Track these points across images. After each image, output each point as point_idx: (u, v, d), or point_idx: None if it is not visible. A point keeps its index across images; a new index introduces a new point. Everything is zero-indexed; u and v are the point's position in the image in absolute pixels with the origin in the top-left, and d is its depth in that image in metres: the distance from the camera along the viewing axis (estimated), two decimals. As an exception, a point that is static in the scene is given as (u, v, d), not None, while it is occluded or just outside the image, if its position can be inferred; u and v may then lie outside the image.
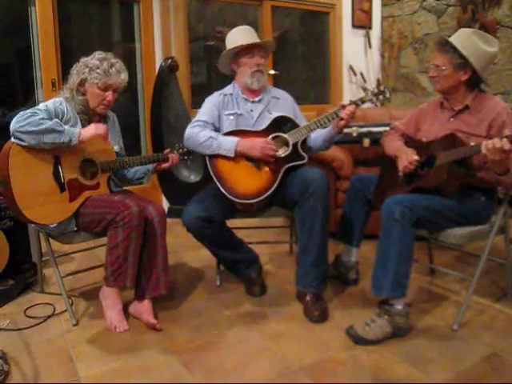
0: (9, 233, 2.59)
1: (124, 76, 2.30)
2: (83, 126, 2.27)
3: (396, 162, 2.33)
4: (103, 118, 2.43)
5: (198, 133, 2.42)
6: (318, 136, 2.50)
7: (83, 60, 2.28)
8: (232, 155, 2.37)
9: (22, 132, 2.03)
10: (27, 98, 3.85)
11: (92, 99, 2.27)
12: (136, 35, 4.27)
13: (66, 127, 2.12)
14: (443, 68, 2.17)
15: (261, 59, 2.51)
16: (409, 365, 1.90)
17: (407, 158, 2.23)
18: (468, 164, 2.12)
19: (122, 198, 2.22)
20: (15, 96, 3.92)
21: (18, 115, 2.07)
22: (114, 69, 2.24)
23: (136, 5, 4.20)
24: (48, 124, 2.06)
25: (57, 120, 2.11)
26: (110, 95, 2.27)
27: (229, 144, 2.37)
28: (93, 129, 2.19)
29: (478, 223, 2.23)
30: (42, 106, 2.17)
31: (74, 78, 2.27)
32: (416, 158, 2.21)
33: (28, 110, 2.08)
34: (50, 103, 2.20)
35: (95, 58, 2.25)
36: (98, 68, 2.22)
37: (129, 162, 2.38)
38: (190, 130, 2.47)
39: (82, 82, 2.25)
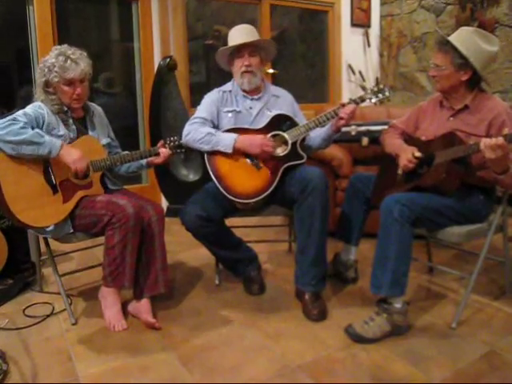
0: (7, 232, 2.60)
1: (83, 64, 2.23)
2: (65, 125, 2.26)
3: (395, 160, 2.33)
4: (87, 113, 2.42)
5: (196, 129, 2.41)
6: (316, 135, 2.50)
7: (43, 60, 2.24)
8: (230, 151, 2.35)
9: (1, 139, 2.03)
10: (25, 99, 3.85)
11: (62, 96, 2.25)
12: (134, 34, 4.27)
13: (47, 138, 2.10)
14: (443, 68, 2.17)
15: (251, 59, 2.47)
16: (407, 363, 1.90)
17: (407, 157, 2.23)
18: (467, 163, 2.12)
19: (118, 198, 2.21)
20: (14, 96, 3.91)
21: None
22: (69, 61, 2.19)
23: (134, 4, 4.20)
24: (28, 134, 2.05)
25: (38, 130, 2.10)
26: (77, 88, 2.24)
27: (227, 140, 2.36)
28: (75, 157, 2.15)
29: (477, 222, 2.23)
30: (21, 112, 2.15)
31: (38, 80, 2.25)
32: (417, 154, 2.21)
33: (8, 118, 2.07)
34: (29, 109, 2.19)
35: (51, 56, 2.21)
36: (54, 66, 2.18)
37: (120, 159, 2.37)
38: (188, 127, 2.46)
39: (47, 84, 2.23)
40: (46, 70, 2.20)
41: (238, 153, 2.38)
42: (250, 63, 2.47)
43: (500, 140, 1.84)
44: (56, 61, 2.18)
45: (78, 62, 2.22)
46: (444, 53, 2.16)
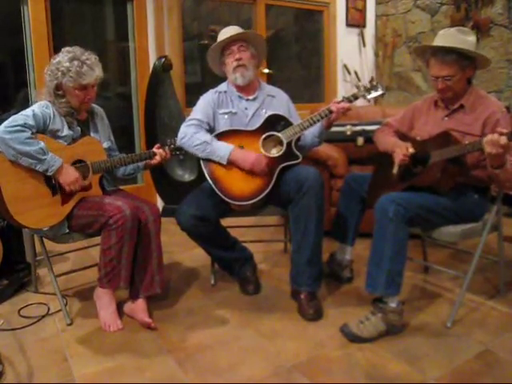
0: (2, 233, 2.59)
1: (98, 71, 2.24)
2: (70, 127, 2.26)
3: (389, 158, 2.33)
4: (90, 115, 2.42)
5: (192, 134, 2.41)
6: (309, 132, 2.49)
7: (54, 62, 2.21)
8: (225, 163, 2.36)
9: (5, 143, 2.03)
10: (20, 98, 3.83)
11: (73, 100, 2.24)
12: (130, 34, 4.26)
13: (50, 156, 2.10)
14: (454, 76, 2.14)
15: (241, 53, 2.47)
16: (403, 362, 1.91)
17: (402, 151, 2.23)
18: (461, 162, 2.13)
19: (116, 199, 2.22)
20: (9, 97, 3.90)
21: (9, 122, 2.05)
22: (85, 67, 2.18)
23: (130, 3, 4.18)
24: (32, 148, 2.04)
25: (42, 146, 2.08)
26: (89, 92, 2.25)
27: (222, 152, 2.36)
28: (72, 179, 2.16)
29: (472, 221, 2.23)
30: (29, 111, 2.14)
31: (48, 83, 2.23)
32: (411, 150, 2.20)
33: (19, 120, 2.06)
34: (36, 108, 2.18)
35: (65, 60, 2.18)
36: (69, 71, 2.16)
37: (120, 161, 2.37)
38: (184, 129, 2.45)
39: (58, 86, 2.22)
40: (60, 73, 2.18)
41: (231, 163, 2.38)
42: (241, 57, 2.47)
43: (504, 139, 1.85)
44: (71, 65, 2.16)
45: (93, 68, 2.21)
46: (450, 62, 2.13)
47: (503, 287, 2.49)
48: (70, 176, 2.16)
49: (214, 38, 2.56)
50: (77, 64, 2.17)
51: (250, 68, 2.50)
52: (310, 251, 2.31)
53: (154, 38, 4.23)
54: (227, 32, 2.50)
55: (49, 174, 2.12)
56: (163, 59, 3.93)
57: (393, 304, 2.11)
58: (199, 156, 2.40)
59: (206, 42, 4.61)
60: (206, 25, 4.68)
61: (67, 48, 2.25)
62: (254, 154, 2.35)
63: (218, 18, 4.80)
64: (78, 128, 2.31)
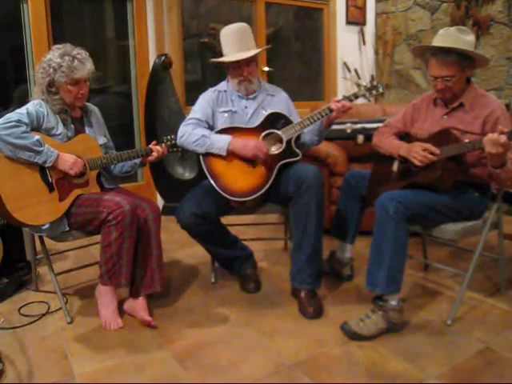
0: (2, 231, 2.58)
1: (89, 65, 2.24)
2: (64, 125, 2.27)
3: (390, 157, 2.33)
4: (84, 112, 2.42)
5: (191, 131, 2.41)
6: (308, 130, 2.49)
7: (45, 59, 2.22)
8: (224, 154, 2.36)
9: (2, 139, 2.04)
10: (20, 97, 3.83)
11: (66, 96, 2.24)
12: (129, 32, 4.26)
13: (46, 147, 2.12)
14: (454, 76, 2.14)
15: (248, 68, 2.46)
16: (403, 360, 1.90)
17: (423, 146, 2.16)
18: (462, 160, 2.13)
19: (115, 196, 2.22)
20: (8, 94, 3.89)
21: (3, 119, 2.06)
22: (76, 62, 2.18)
23: (129, 1, 4.19)
24: (28, 141, 2.06)
25: (38, 138, 2.10)
26: (82, 88, 2.25)
27: (221, 143, 2.36)
28: (70, 163, 2.18)
29: (472, 219, 2.23)
30: (23, 110, 2.15)
31: (41, 80, 2.23)
32: (438, 151, 2.13)
33: (13, 117, 2.07)
34: (30, 106, 2.19)
35: (56, 56, 2.18)
36: (61, 66, 2.16)
37: (116, 158, 2.37)
38: (183, 128, 2.46)
39: (51, 83, 2.22)
40: (51, 70, 2.18)
41: (232, 154, 2.38)
42: (249, 72, 2.47)
43: (503, 138, 1.85)
44: (62, 61, 2.17)
45: (85, 62, 2.22)
46: (450, 63, 2.12)
47: (503, 285, 2.49)
48: (68, 161, 2.18)
49: (214, 35, 2.54)
50: (68, 59, 2.17)
51: (254, 81, 2.51)
52: (310, 249, 2.31)
53: (154, 35, 4.23)
54: (235, 39, 2.43)
55: (47, 165, 2.13)
56: (163, 57, 3.93)
57: (393, 302, 2.11)
58: (199, 152, 2.40)
59: (206, 40, 4.61)
60: (206, 23, 4.67)
61: (57, 45, 2.26)
62: (254, 140, 2.35)
63: (217, 16, 4.79)
64: (73, 126, 2.32)
